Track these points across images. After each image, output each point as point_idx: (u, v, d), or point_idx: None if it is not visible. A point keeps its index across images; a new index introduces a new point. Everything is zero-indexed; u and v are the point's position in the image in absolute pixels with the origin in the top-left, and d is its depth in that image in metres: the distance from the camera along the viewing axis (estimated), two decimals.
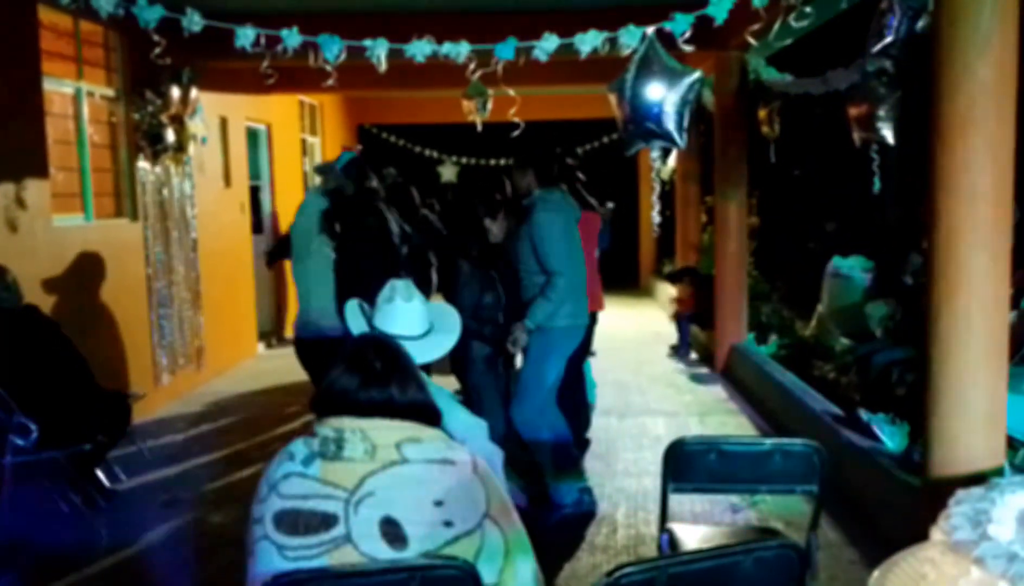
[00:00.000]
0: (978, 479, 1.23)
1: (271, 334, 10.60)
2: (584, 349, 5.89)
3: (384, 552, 1.85)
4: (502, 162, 14.34)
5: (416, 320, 2.95)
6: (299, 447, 1.96)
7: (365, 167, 5.89)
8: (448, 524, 1.87)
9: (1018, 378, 4.84)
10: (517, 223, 5.07)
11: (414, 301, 2.96)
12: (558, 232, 4.72)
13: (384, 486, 1.87)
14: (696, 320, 9.34)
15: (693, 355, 9.33)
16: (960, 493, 1.12)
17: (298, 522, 1.87)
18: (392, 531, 1.85)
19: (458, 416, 2.89)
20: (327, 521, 1.86)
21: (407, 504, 1.87)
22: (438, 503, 1.88)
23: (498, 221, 6.45)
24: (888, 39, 4.50)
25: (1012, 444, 4.36)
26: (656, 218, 14.28)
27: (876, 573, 1.15)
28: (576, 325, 4.87)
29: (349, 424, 1.93)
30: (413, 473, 1.89)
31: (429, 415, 2.03)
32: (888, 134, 4.77)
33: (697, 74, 4.41)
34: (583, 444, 5.90)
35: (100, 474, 5.27)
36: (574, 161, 6.16)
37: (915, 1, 4.42)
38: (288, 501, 1.89)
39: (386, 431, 1.93)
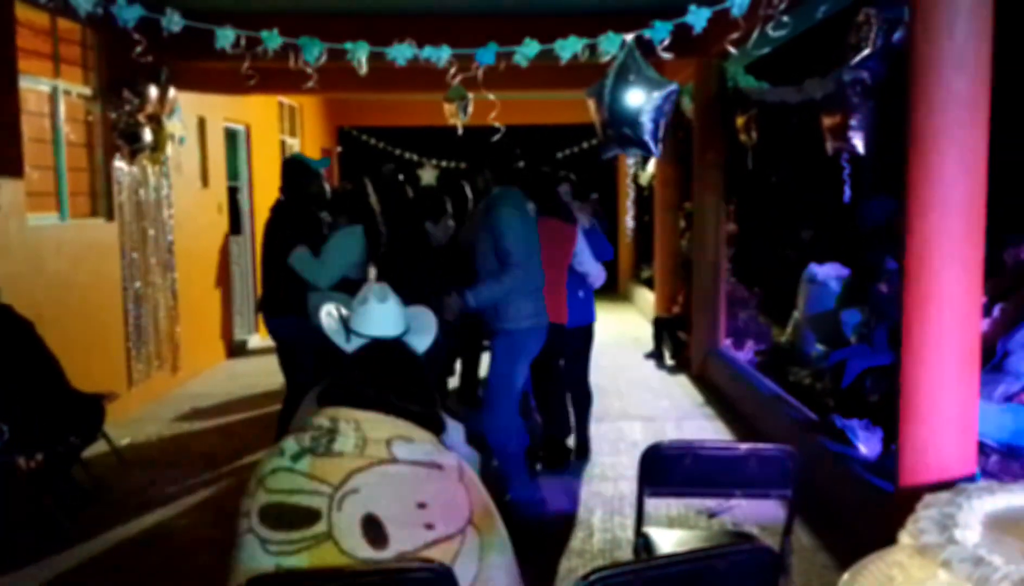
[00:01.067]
0: (950, 485, 1.25)
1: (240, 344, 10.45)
2: (582, 354, 5.92)
3: (364, 550, 1.85)
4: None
5: (392, 321, 2.96)
6: (290, 443, 1.98)
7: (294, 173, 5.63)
8: (429, 526, 1.88)
9: (990, 385, 4.91)
10: (476, 223, 5.06)
11: (389, 302, 2.98)
12: (518, 226, 4.68)
13: (369, 483, 1.88)
14: (673, 325, 9.38)
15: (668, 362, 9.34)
16: (928, 498, 1.14)
17: (282, 516, 1.88)
18: (373, 529, 1.86)
19: None
20: (310, 516, 1.86)
21: (390, 503, 1.87)
22: (421, 505, 1.88)
23: (440, 225, 6.46)
24: (865, 51, 4.56)
25: (983, 450, 4.43)
26: (630, 223, 14.33)
27: (845, 576, 1.17)
28: (538, 325, 4.83)
29: (345, 414, 1.95)
30: (399, 473, 1.90)
31: (428, 424, 2.04)
32: (859, 144, 4.82)
33: (674, 86, 4.46)
34: (565, 449, 5.92)
35: (73, 476, 5.22)
36: (549, 167, 6.18)
37: (892, 13, 4.48)
38: (274, 495, 1.91)
39: (379, 425, 1.94)
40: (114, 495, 5.38)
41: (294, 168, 5.57)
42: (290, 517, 1.87)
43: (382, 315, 2.96)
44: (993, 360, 5.23)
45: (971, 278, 3.62)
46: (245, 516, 1.95)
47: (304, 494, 1.88)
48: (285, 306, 5.31)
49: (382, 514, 1.86)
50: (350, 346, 2.90)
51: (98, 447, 5.60)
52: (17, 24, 5.96)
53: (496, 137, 5.48)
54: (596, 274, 5.83)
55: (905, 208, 3.69)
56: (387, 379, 2.04)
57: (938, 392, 3.64)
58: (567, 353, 5.78)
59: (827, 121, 5.09)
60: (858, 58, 4.63)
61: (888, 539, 1.21)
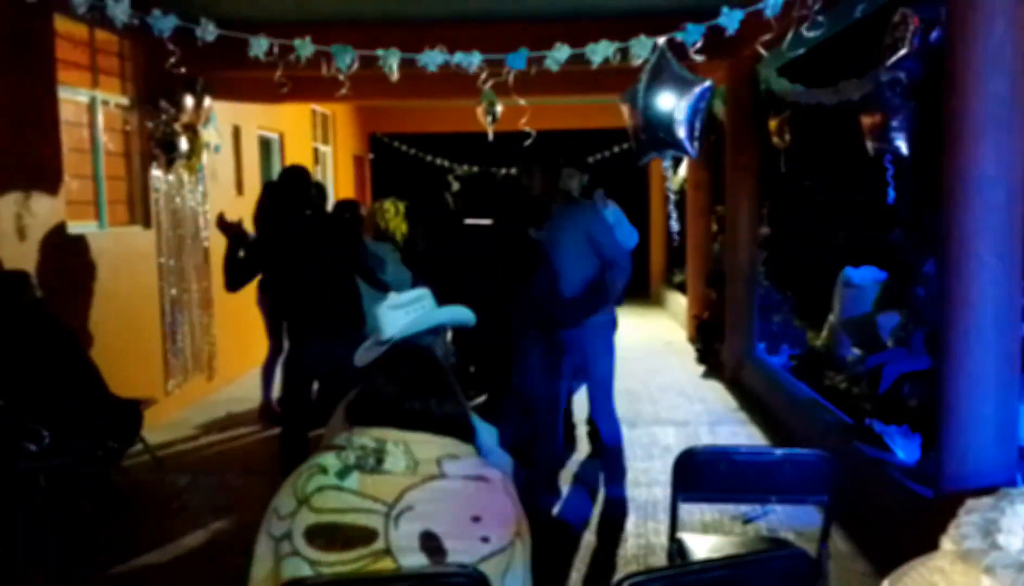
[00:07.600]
0: (991, 490, 1.22)
1: None
2: None
3: (424, 566, 1.84)
4: (513, 171, 14.36)
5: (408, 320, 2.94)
6: (330, 460, 1.92)
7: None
8: (485, 540, 1.87)
9: None
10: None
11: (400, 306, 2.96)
12: None
13: (423, 500, 1.86)
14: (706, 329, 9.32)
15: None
16: (970, 503, 1.12)
17: (336, 537, 1.84)
18: (432, 545, 1.84)
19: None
20: (367, 536, 1.83)
21: (446, 519, 1.86)
22: (475, 518, 1.88)
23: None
24: (903, 52, 4.50)
25: None
26: (674, 226, 14.24)
27: (886, 583, 1.15)
28: None
29: (392, 436, 1.92)
30: (451, 488, 1.89)
31: (464, 430, 2.03)
32: (902, 145, 4.75)
33: (708, 83, 4.41)
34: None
35: (111, 480, 5.29)
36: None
37: (929, 12, 4.42)
38: (324, 515, 1.86)
39: (428, 446, 1.92)
40: (151, 499, 5.44)
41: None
42: (345, 537, 1.83)
43: (396, 317, 2.93)
44: None
45: (1011, 280, 3.55)
46: (284, 539, 1.88)
47: (358, 512, 1.85)
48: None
49: (439, 530, 1.85)
50: (366, 358, 2.83)
51: (135, 452, 5.67)
52: (56, 36, 6.08)
53: (528, 141, 5.46)
54: None
55: (943, 210, 3.64)
56: (424, 387, 2.02)
57: (978, 396, 3.57)
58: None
59: (867, 122, 5.02)
60: (895, 58, 4.57)
61: (927, 545, 1.19)
